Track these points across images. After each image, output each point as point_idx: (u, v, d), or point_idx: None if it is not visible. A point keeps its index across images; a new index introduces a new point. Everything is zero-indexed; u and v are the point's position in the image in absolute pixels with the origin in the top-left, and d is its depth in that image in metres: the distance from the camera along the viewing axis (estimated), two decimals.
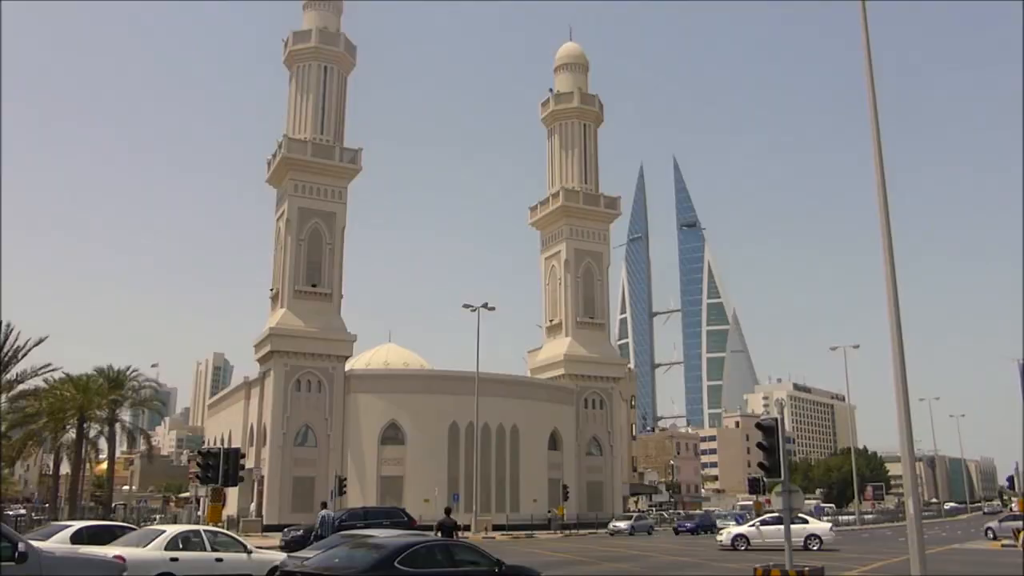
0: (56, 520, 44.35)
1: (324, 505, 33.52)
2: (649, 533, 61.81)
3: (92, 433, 62.46)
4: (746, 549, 36.56)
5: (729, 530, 40.30)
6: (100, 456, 73.30)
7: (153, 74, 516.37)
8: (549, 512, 67.42)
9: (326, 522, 30.97)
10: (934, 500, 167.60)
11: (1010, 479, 72.83)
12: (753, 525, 38.94)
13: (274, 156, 69.88)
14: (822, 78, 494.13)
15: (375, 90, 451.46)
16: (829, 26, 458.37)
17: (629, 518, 65.25)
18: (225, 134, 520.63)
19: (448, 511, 29.50)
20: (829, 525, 42.74)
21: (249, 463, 60.23)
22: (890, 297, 16.27)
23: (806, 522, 38.70)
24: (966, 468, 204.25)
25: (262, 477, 62.82)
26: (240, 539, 21.50)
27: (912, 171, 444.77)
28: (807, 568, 16.77)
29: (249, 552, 20.53)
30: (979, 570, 23.64)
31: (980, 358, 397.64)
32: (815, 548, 36.24)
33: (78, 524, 23.00)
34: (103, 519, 43.85)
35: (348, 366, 67.79)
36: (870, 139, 16.87)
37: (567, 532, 61.88)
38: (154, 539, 19.32)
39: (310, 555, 17.08)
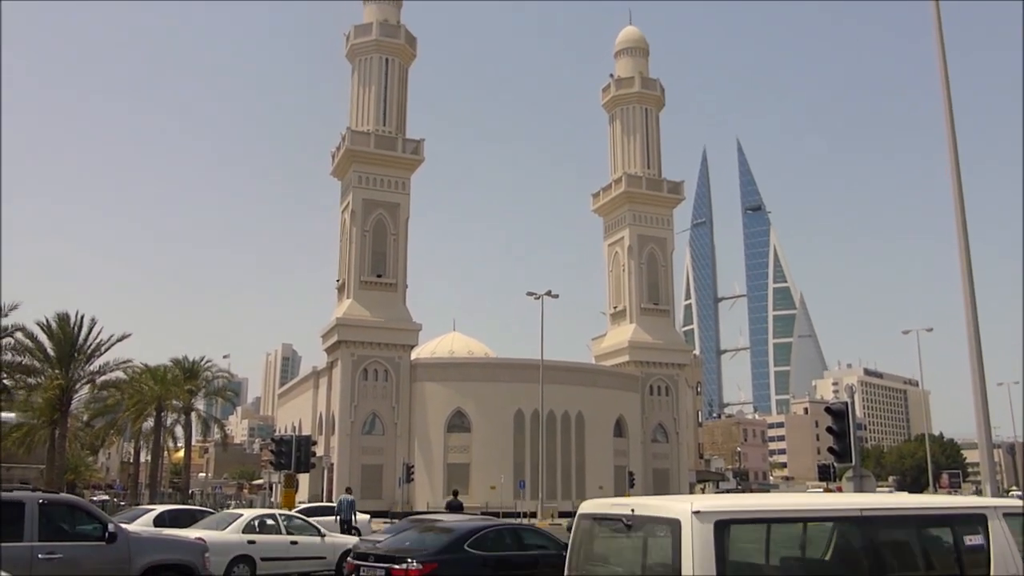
0: (138, 504, 45.94)
1: (348, 491, 34.38)
2: None
3: (169, 422, 64.49)
4: None
5: None
6: (177, 444, 75.61)
7: (218, 70, 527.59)
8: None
9: (343, 505, 31.92)
10: (1014, 488, 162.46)
11: None
12: None
13: (338, 149, 70.91)
14: (894, 59, 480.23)
15: (436, 81, 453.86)
16: (901, 10, 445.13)
17: None
18: (290, 128, 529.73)
19: (455, 493, 31.33)
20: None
21: (319, 451, 61.48)
22: (965, 278, 15.88)
23: None
24: None
25: (332, 464, 64.06)
26: (313, 523, 22.07)
27: (986, 147, 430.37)
28: None
29: (323, 536, 21.09)
30: None
31: None
32: None
33: (160, 508, 23.92)
34: (182, 504, 45.26)
35: (413, 355, 68.59)
36: (943, 120, 16.47)
37: None
38: (232, 522, 19.99)
39: (381, 538, 17.45)
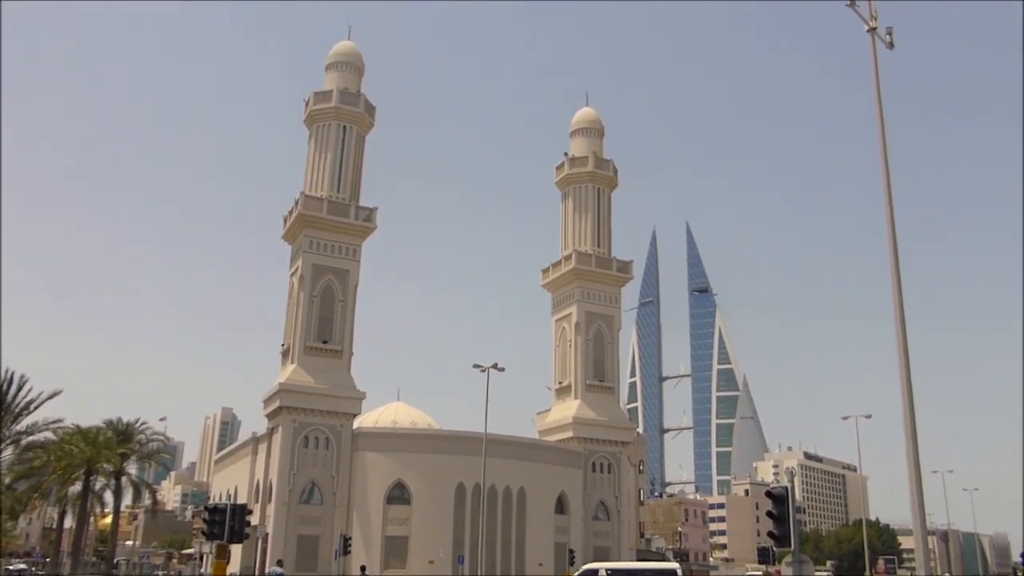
0: (58, 575, 44.08)
1: (279, 563, 33.83)
2: None
3: (98, 486, 62.31)
4: None
5: None
6: (105, 510, 72.88)
7: (171, 125, 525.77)
8: None
9: None
10: (947, 575, 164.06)
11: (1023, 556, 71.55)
12: None
13: (291, 212, 70.78)
14: (838, 143, 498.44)
15: (392, 149, 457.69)
16: (848, 94, 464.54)
17: None
18: (240, 191, 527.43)
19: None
20: None
21: (254, 520, 59.80)
22: (902, 367, 16.35)
23: None
24: (980, 543, 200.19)
25: (267, 534, 62.23)
26: None
27: (932, 240, 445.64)
28: None
29: None
30: None
31: (995, 431, 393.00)
32: None
33: None
34: (106, 574, 43.54)
35: (356, 424, 67.60)
36: (884, 212, 17.15)
37: None
38: None
39: None
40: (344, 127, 72.23)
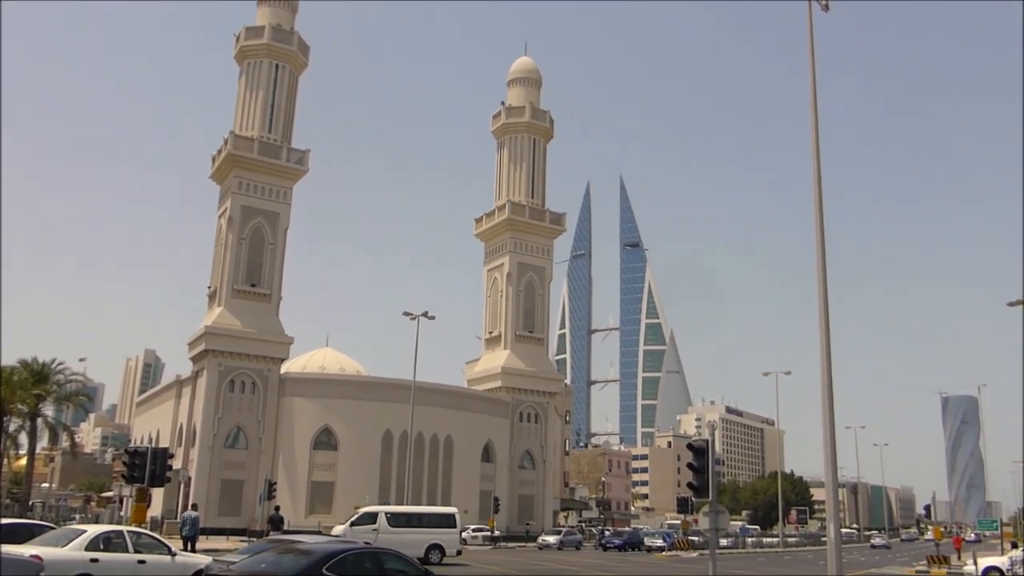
0: None
1: (194, 507, 33.55)
2: (577, 548, 62.18)
3: (12, 427, 60.57)
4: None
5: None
6: (20, 451, 71.01)
7: (95, 62, 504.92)
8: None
9: (187, 522, 31.17)
10: (855, 526, 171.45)
11: (927, 508, 75.13)
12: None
13: (219, 152, 68.83)
14: (772, 103, 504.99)
15: (325, 92, 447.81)
16: (781, 52, 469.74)
17: (558, 533, 65.47)
18: (169, 127, 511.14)
19: (277, 508, 34.99)
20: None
21: (177, 464, 59.04)
22: (822, 326, 16.75)
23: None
24: (887, 496, 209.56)
25: (189, 478, 61.54)
26: (165, 541, 21.08)
27: (856, 203, 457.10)
28: None
29: (173, 555, 20.16)
30: None
31: (906, 390, 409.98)
32: None
33: None
34: (20, 517, 42.52)
35: (284, 369, 66.96)
36: (811, 175, 17.40)
37: (496, 545, 61.87)
38: (74, 539, 18.84)
39: (237, 559, 16.85)
40: (277, 66, 70.21)
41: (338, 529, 38.26)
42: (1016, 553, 33.65)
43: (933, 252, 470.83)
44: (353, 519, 39.01)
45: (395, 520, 38.59)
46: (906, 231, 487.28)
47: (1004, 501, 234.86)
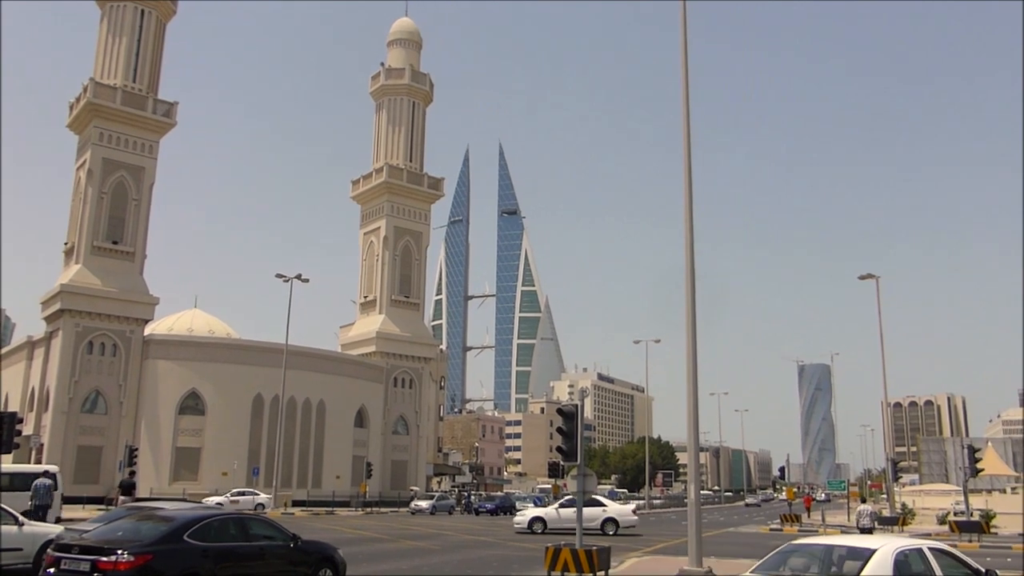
0: None
1: (46, 473, 32.08)
2: (450, 513, 62.71)
3: None
4: (543, 532, 36.70)
5: (525, 513, 40.25)
6: None
7: None
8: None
9: (39, 490, 29.72)
10: (716, 487, 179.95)
11: (781, 470, 79.45)
12: (553, 508, 39.36)
13: (77, 100, 64.99)
14: (650, 68, 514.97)
15: (196, 44, 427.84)
16: (667, 18, 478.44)
17: (431, 497, 65.84)
18: (19, 65, 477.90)
19: (133, 473, 35.30)
20: (632, 507, 43.51)
21: (28, 429, 56.06)
22: (688, 296, 17.26)
23: (603, 505, 39.12)
24: (746, 459, 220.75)
25: (41, 445, 58.54)
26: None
27: (726, 171, 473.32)
28: (595, 548, 17.53)
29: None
30: (746, 550, 25.84)
31: (766, 359, 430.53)
32: (611, 533, 36.66)
33: None
34: None
35: (148, 330, 64.42)
36: (682, 141, 17.80)
37: (369, 510, 61.75)
38: None
39: (91, 527, 16.11)
40: (142, 11, 66.67)
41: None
42: (864, 507, 36.07)
43: (796, 224, 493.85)
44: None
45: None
46: (772, 202, 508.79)
47: (852, 463, 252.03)
